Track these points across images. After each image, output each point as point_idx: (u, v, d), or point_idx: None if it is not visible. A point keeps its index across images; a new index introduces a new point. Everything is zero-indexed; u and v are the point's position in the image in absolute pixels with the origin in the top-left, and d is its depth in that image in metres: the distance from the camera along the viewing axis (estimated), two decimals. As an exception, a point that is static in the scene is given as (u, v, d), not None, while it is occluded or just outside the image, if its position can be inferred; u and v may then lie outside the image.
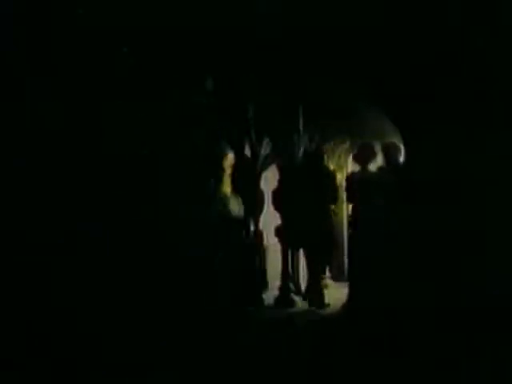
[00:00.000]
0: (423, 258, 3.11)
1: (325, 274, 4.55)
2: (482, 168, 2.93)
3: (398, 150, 3.99)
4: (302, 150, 4.43)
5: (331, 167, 4.68)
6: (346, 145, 4.95)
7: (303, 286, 4.39)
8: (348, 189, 4.22)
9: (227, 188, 3.71)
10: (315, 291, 4.16)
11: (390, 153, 4.07)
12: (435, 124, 3.12)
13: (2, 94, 2.87)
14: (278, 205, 4.21)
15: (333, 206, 4.40)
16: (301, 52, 3.51)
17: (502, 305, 2.76)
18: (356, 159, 4.34)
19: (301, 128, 4.34)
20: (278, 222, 4.20)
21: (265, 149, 4.20)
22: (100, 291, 2.87)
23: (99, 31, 3.08)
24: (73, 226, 2.91)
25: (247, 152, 4.08)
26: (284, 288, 4.16)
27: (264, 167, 4.25)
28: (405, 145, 3.49)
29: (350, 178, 4.27)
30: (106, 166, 3.05)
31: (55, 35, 2.98)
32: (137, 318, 2.88)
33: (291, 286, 4.28)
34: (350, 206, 4.29)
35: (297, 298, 4.22)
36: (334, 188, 4.28)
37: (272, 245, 4.31)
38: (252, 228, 4.01)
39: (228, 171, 3.72)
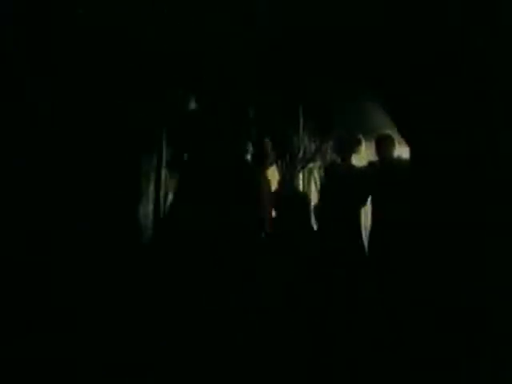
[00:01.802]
0: (415, 257, 3.10)
1: None
2: (482, 168, 2.93)
3: (392, 143, 3.77)
4: (302, 150, 4.42)
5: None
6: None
7: None
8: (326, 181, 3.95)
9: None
10: None
11: (382, 146, 3.80)
12: (435, 124, 3.12)
13: (2, 94, 2.87)
14: None
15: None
16: (301, 52, 3.51)
17: (503, 304, 2.76)
18: (336, 151, 4.05)
19: (301, 128, 4.33)
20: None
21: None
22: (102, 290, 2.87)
23: (99, 31, 3.08)
24: (73, 226, 2.91)
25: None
26: None
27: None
28: (405, 143, 3.47)
29: (330, 170, 4.01)
30: (108, 165, 3.05)
31: (55, 35, 2.98)
32: (140, 317, 2.88)
33: None
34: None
35: None
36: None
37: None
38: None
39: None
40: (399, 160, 3.79)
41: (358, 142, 3.92)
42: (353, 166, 3.95)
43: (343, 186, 3.80)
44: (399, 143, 3.82)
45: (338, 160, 4.00)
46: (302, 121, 4.34)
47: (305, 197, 4.10)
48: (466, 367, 2.66)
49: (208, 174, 3.24)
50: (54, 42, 2.98)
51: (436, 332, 2.85)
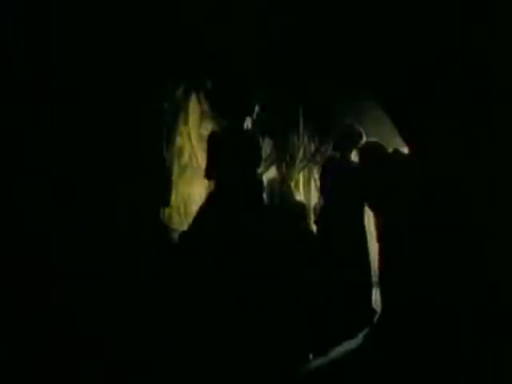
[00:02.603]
0: (416, 256, 3.10)
1: None
2: (482, 168, 2.93)
3: (379, 149, 3.66)
4: (302, 150, 4.41)
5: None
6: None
7: None
8: (323, 177, 3.87)
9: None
10: None
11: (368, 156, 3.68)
12: (435, 124, 3.12)
13: (2, 94, 2.87)
14: None
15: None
16: (301, 52, 3.51)
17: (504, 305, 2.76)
18: (337, 146, 3.95)
19: (301, 128, 4.32)
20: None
21: (265, 149, 4.19)
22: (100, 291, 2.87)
23: (99, 31, 3.08)
24: (73, 226, 2.91)
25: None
26: None
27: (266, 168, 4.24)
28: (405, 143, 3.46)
29: (329, 166, 3.88)
30: (109, 165, 3.04)
31: (55, 35, 2.98)
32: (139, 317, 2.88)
33: None
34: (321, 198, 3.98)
35: None
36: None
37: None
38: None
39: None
40: (397, 153, 3.72)
41: (360, 136, 3.85)
42: (353, 162, 3.90)
43: (344, 183, 3.74)
44: (399, 144, 3.80)
45: (337, 155, 3.94)
46: (301, 121, 4.34)
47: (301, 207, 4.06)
48: (466, 367, 2.66)
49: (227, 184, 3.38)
50: (54, 42, 2.98)
51: (437, 333, 2.85)
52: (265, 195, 3.51)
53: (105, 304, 2.84)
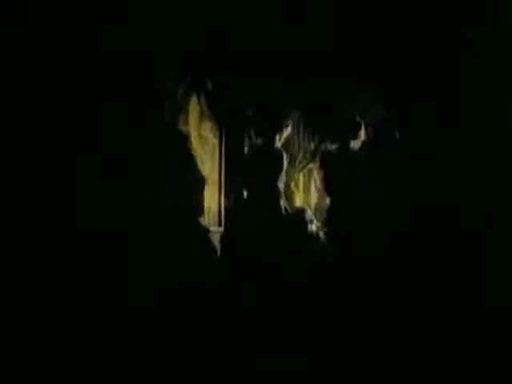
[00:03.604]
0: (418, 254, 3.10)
1: None
2: (482, 167, 2.94)
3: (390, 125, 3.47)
4: (302, 150, 4.39)
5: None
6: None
7: None
8: (325, 175, 3.76)
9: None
10: None
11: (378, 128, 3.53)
12: (435, 124, 3.12)
13: (2, 94, 2.87)
14: None
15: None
16: (300, 51, 3.52)
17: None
18: (335, 138, 3.80)
19: (301, 128, 4.31)
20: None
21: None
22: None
23: (99, 31, 3.08)
24: (72, 226, 2.91)
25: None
26: None
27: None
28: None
29: (328, 161, 3.79)
30: (107, 166, 3.04)
31: (55, 35, 2.98)
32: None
33: None
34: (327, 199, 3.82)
35: None
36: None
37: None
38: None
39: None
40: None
41: (359, 126, 3.71)
42: (352, 153, 3.75)
43: (345, 177, 3.64)
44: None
45: (333, 148, 3.86)
46: (301, 121, 4.33)
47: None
48: (465, 367, 2.67)
49: None
50: (54, 41, 2.98)
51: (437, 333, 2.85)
52: (282, 202, 3.61)
53: (105, 304, 2.84)
